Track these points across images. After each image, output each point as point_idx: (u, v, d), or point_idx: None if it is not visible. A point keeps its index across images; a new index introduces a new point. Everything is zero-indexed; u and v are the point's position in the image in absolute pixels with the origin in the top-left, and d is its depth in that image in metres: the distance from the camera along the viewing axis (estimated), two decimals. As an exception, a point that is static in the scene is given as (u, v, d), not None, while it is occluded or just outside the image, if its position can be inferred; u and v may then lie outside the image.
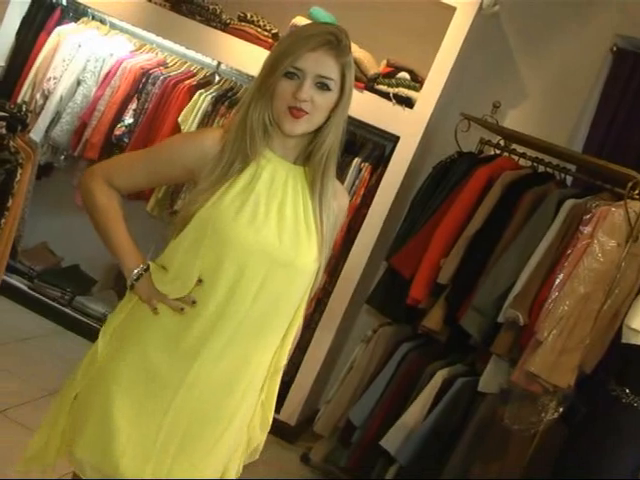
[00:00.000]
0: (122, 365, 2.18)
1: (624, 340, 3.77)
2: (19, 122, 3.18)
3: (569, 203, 4.23)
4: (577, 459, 3.84)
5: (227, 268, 2.15)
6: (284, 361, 2.36)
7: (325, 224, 2.27)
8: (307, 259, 2.23)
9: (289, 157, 2.29)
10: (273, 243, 2.17)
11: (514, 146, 4.82)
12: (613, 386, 3.67)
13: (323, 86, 2.18)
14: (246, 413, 2.32)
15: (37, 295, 5.39)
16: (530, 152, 4.70)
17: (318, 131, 2.26)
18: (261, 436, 2.40)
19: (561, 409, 4.11)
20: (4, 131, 3.06)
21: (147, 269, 2.23)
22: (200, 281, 2.15)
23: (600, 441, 3.74)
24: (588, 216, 4.09)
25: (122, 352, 2.20)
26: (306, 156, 2.30)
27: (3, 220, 3.10)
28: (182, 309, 2.16)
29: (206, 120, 5.13)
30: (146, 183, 2.35)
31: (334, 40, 2.16)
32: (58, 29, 5.37)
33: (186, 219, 2.20)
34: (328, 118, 2.24)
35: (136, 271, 2.22)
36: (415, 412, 4.40)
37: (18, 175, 3.08)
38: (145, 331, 2.20)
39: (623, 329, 3.80)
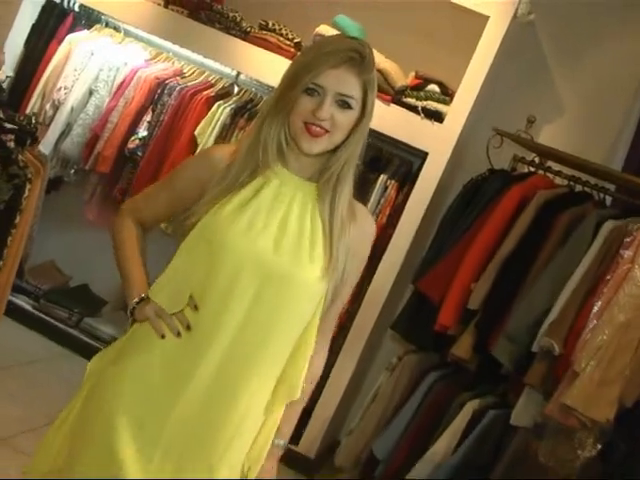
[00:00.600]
0: (123, 385, 2.12)
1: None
2: (28, 135, 2.97)
3: (608, 225, 4.00)
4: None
5: (220, 277, 2.09)
6: (296, 394, 2.21)
7: (336, 242, 2.17)
8: (308, 275, 2.13)
9: (304, 174, 2.22)
10: (267, 253, 2.10)
11: (549, 163, 4.59)
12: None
13: (344, 104, 2.14)
14: (246, 439, 2.20)
15: (43, 316, 5.17)
16: (566, 170, 4.47)
17: (336, 149, 2.19)
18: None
19: (599, 446, 3.89)
20: (12, 144, 2.85)
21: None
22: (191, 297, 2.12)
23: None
24: (629, 239, 3.91)
25: (121, 371, 2.13)
26: (320, 174, 2.23)
27: (10, 238, 2.89)
28: (179, 334, 2.10)
29: (224, 133, 4.91)
30: (171, 211, 2.32)
31: (357, 57, 2.15)
32: (70, 36, 5.17)
33: (187, 230, 2.19)
34: (348, 136, 2.18)
35: (137, 299, 2.17)
36: (443, 446, 4.17)
37: (27, 191, 2.87)
38: (144, 350, 2.14)
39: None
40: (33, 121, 3.06)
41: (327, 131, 2.13)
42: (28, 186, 2.87)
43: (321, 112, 2.10)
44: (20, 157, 2.86)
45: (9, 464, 3.61)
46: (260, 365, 2.14)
